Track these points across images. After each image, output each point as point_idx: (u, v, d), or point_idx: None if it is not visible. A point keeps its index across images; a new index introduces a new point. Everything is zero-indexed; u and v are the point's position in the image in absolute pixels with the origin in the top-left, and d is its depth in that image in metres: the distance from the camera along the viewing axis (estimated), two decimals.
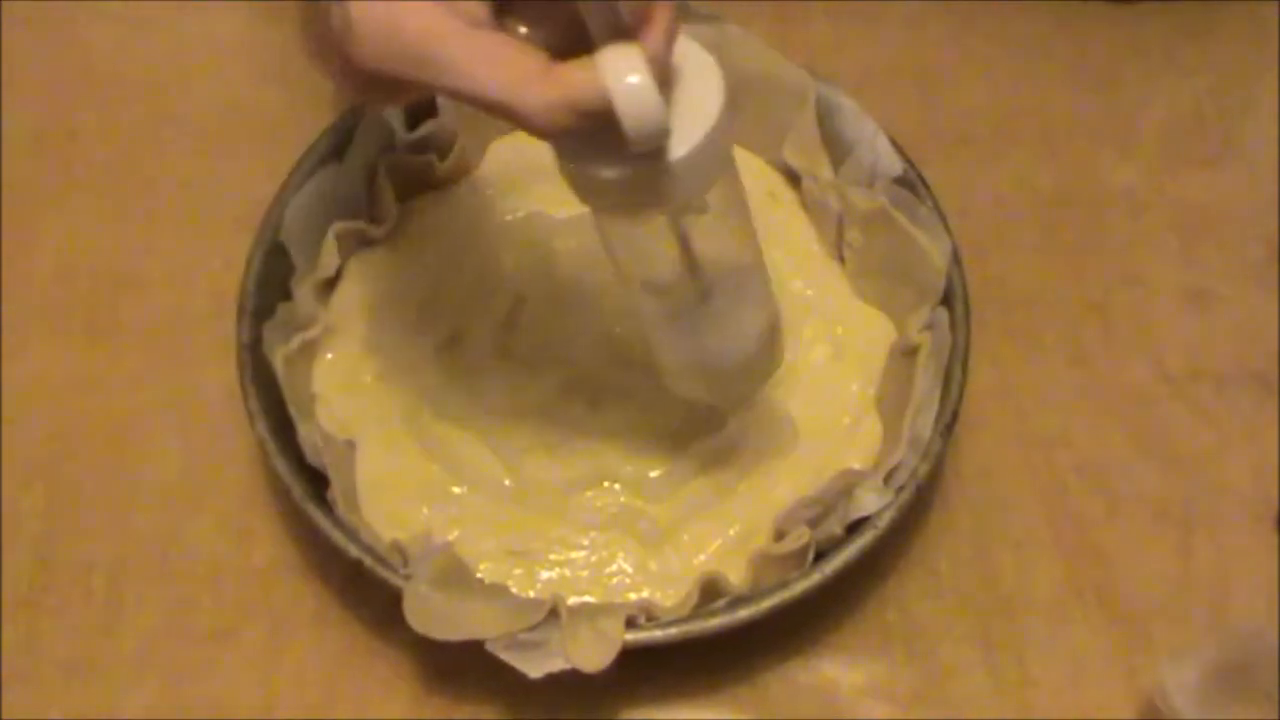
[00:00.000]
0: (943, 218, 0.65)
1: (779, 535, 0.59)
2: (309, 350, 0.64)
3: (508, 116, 0.46)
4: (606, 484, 0.63)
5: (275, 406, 0.61)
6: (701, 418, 0.64)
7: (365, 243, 0.67)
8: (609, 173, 0.47)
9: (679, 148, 0.47)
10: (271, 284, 0.64)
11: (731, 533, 0.61)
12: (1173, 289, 0.71)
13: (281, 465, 0.60)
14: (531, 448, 0.64)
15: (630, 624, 0.57)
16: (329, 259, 0.65)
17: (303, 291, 0.64)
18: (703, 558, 0.61)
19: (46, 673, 0.61)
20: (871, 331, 0.66)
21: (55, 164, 0.74)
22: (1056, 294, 0.70)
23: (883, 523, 0.59)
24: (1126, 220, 0.72)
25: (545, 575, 0.61)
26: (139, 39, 0.79)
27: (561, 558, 0.61)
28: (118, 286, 0.70)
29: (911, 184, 0.65)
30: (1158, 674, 0.59)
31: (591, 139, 0.46)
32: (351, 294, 0.66)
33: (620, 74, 0.44)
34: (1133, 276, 0.71)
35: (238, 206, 0.67)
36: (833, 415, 0.64)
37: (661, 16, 0.45)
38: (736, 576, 0.59)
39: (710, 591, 0.58)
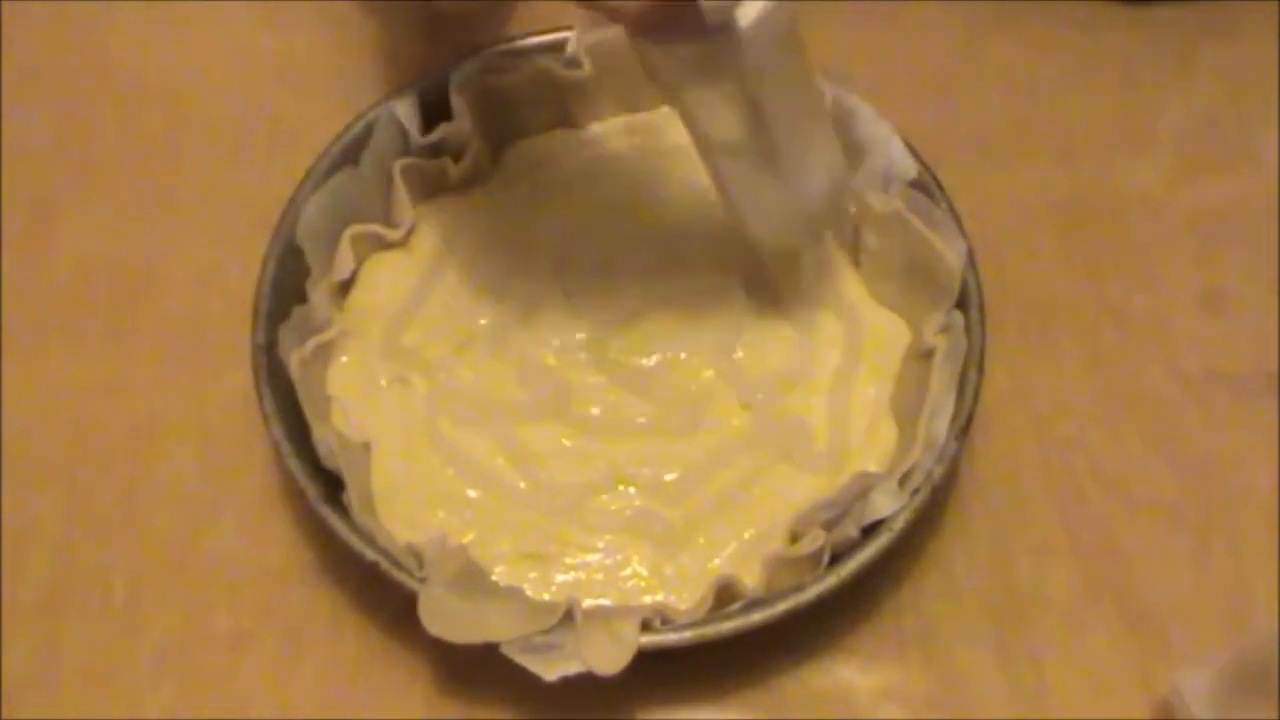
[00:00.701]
0: (958, 221, 0.65)
1: (794, 538, 0.59)
2: (324, 353, 0.64)
3: (608, 11, 0.53)
4: (622, 487, 0.63)
5: (291, 409, 0.61)
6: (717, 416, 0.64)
7: (381, 246, 0.68)
8: (686, 49, 0.54)
9: (747, 15, 0.53)
10: (287, 287, 0.64)
11: (746, 536, 0.61)
12: (1190, 292, 0.70)
13: (297, 468, 0.60)
14: (547, 451, 0.64)
15: (645, 627, 0.57)
16: (344, 262, 0.65)
17: (318, 294, 0.64)
18: (717, 561, 0.61)
19: (65, 677, 0.61)
20: (887, 334, 0.66)
21: (72, 166, 0.74)
22: (1073, 297, 0.70)
23: (898, 525, 0.59)
24: (1143, 224, 0.72)
25: (560, 578, 0.61)
26: (158, 41, 0.79)
27: (576, 561, 0.61)
28: (135, 289, 0.70)
29: (927, 187, 0.65)
30: (1174, 678, 0.58)
31: (668, 19, 0.53)
32: (366, 297, 0.67)
33: None
34: (1150, 280, 0.70)
35: (255, 209, 0.67)
36: (848, 418, 0.64)
37: None
38: (751, 580, 0.59)
39: (725, 595, 0.58)
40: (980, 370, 0.62)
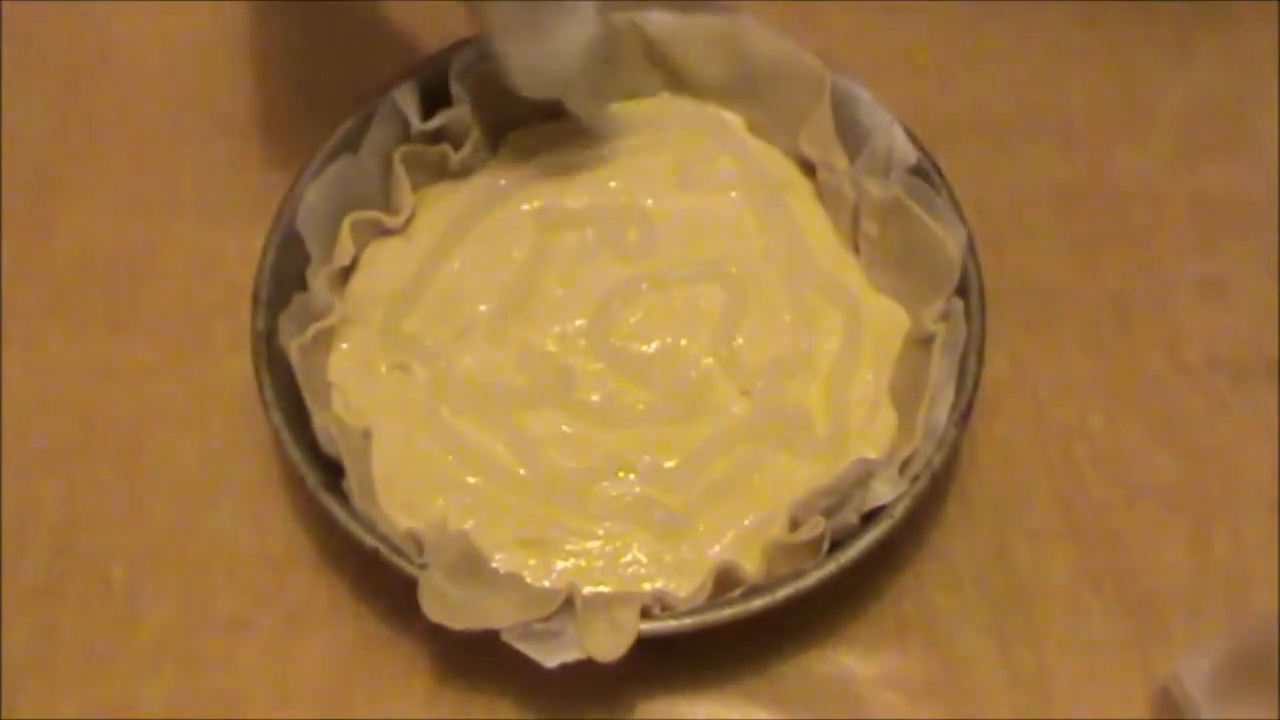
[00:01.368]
0: (958, 207, 0.65)
1: (794, 525, 0.59)
2: (324, 340, 0.64)
3: None
4: (622, 474, 0.63)
5: (291, 396, 0.61)
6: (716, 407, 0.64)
7: (381, 232, 0.67)
8: None
9: None
10: (287, 274, 0.64)
11: (746, 523, 0.61)
12: (1190, 279, 0.70)
13: (296, 454, 0.60)
14: (547, 438, 0.63)
15: (645, 614, 0.57)
16: (344, 249, 0.65)
17: (318, 281, 0.64)
18: (717, 548, 0.61)
19: (64, 662, 0.61)
20: (887, 321, 0.65)
21: (73, 152, 0.74)
22: (1073, 284, 0.70)
23: (898, 512, 0.59)
24: (1143, 210, 0.72)
25: (560, 565, 0.61)
26: (158, 28, 0.79)
27: (576, 548, 0.61)
28: (135, 275, 0.70)
29: (927, 174, 0.65)
30: (1173, 664, 0.58)
31: None
32: (366, 284, 0.66)
33: None
34: (1150, 267, 0.70)
35: (254, 196, 0.67)
36: (848, 405, 0.64)
37: None
38: (751, 567, 0.59)
39: (725, 582, 0.58)
40: (980, 357, 0.62)
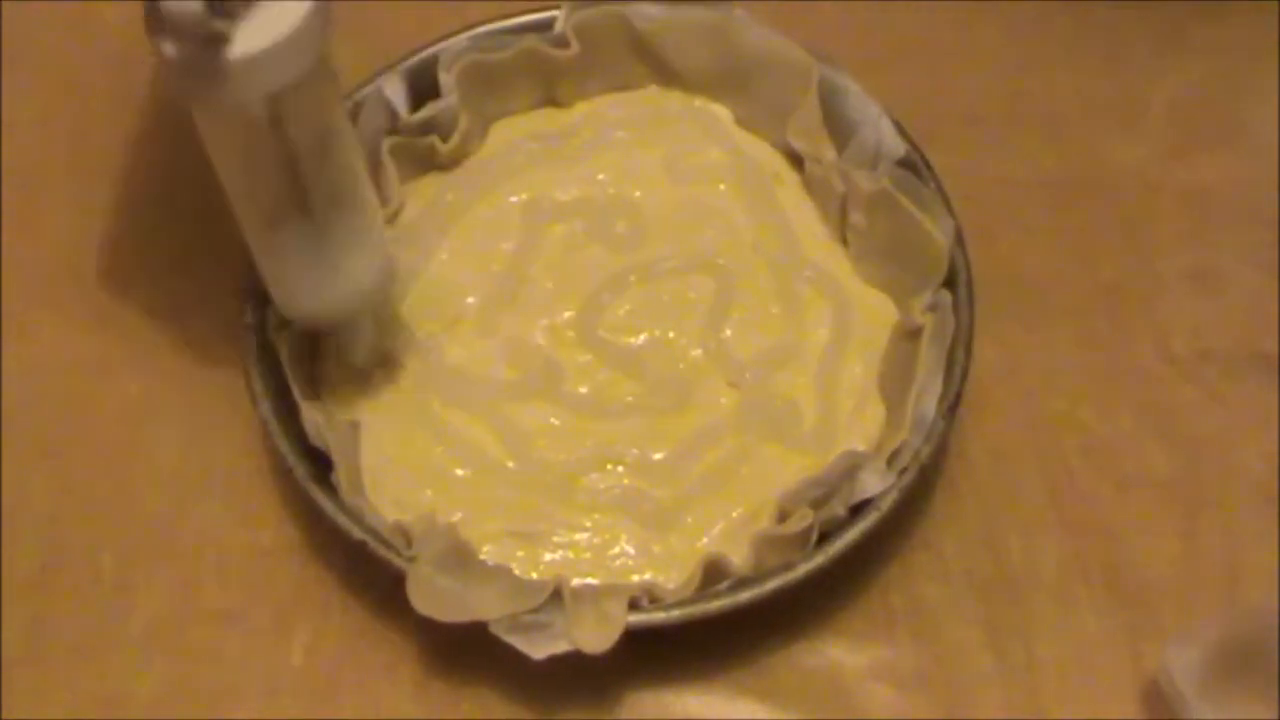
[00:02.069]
0: (946, 200, 0.65)
1: (782, 517, 0.59)
2: (313, 332, 0.64)
3: None
4: (610, 466, 0.63)
5: (280, 389, 0.61)
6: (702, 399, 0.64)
7: None
8: (166, 48, 0.49)
9: (239, 48, 0.49)
10: None
11: (735, 515, 0.61)
12: (1181, 271, 0.70)
13: (285, 447, 0.60)
14: (535, 430, 0.64)
15: (633, 606, 0.57)
16: None
17: None
18: (706, 540, 0.61)
19: (54, 654, 0.61)
20: (875, 313, 0.66)
21: (62, 144, 0.74)
22: (1063, 276, 0.70)
23: (886, 504, 0.59)
24: (1134, 202, 0.72)
25: (548, 557, 0.61)
26: None
27: (565, 540, 0.61)
28: (124, 269, 0.70)
29: (915, 166, 0.65)
30: (1163, 655, 0.58)
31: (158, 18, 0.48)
32: None
33: None
34: (1140, 258, 0.70)
35: None
36: (836, 397, 0.64)
37: None
38: (739, 559, 0.59)
39: (713, 574, 0.58)
40: (968, 349, 0.62)
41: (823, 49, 0.67)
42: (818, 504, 0.58)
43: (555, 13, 0.70)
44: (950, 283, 0.63)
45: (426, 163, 0.69)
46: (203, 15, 0.48)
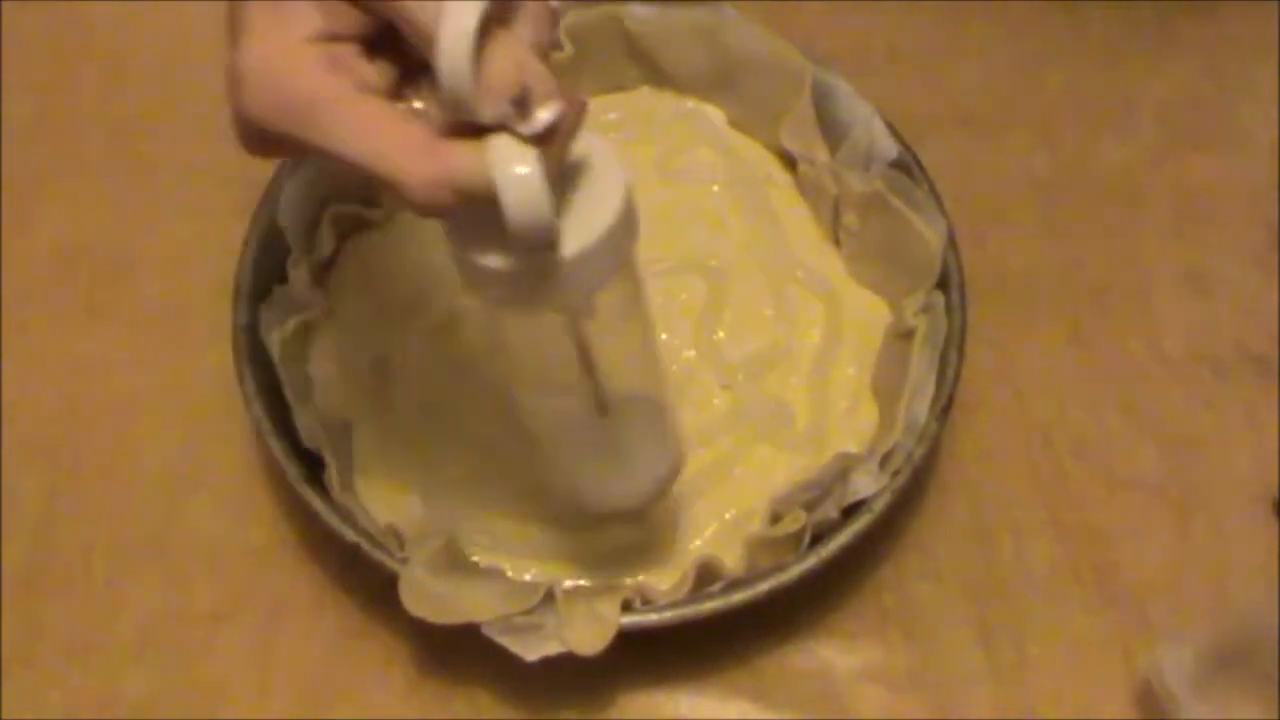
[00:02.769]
0: (939, 201, 0.65)
1: (775, 519, 0.59)
2: (305, 333, 0.64)
3: (389, 187, 0.43)
4: None
5: (272, 389, 0.61)
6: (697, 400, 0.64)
7: (361, 226, 0.68)
8: (492, 261, 0.44)
9: (569, 245, 0.44)
10: (268, 267, 0.64)
11: (727, 516, 0.61)
12: (1172, 271, 0.70)
13: (277, 447, 0.60)
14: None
15: (626, 607, 0.57)
16: (325, 242, 0.65)
17: (299, 274, 0.64)
18: (698, 542, 0.61)
19: (46, 654, 0.61)
20: (868, 315, 0.66)
21: (55, 145, 0.74)
22: (1055, 276, 0.70)
23: (878, 506, 0.59)
24: (1125, 202, 0.72)
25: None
26: (140, 20, 0.79)
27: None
28: (116, 268, 0.70)
29: (907, 167, 0.65)
30: (1154, 655, 0.59)
31: (478, 225, 0.44)
32: (347, 277, 0.67)
33: (508, 161, 0.41)
34: (1131, 259, 0.71)
35: (236, 189, 0.67)
36: (829, 399, 0.64)
37: (564, 112, 0.42)
38: (732, 560, 0.59)
39: (706, 575, 0.58)
40: (961, 351, 0.62)
41: (815, 50, 0.67)
42: (810, 506, 0.59)
43: None
44: (943, 284, 0.63)
45: None
46: (555, 225, 0.43)
